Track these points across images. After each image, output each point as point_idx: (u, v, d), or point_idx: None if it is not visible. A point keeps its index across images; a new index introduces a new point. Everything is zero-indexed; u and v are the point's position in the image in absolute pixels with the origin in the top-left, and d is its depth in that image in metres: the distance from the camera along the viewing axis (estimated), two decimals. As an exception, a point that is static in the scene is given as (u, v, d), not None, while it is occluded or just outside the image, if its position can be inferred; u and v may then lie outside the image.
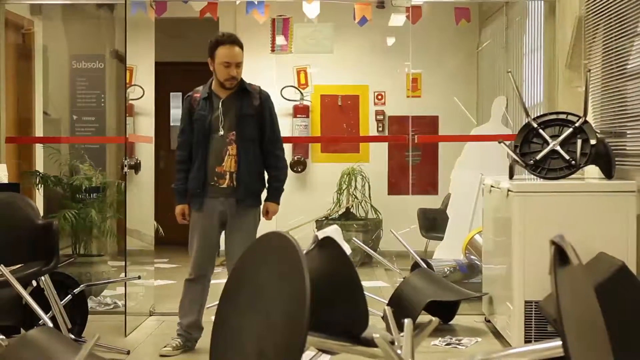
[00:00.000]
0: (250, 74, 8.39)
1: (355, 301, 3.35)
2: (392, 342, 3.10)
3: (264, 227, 3.75)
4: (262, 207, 4.60)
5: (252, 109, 4.46)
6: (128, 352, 4.37)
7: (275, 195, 4.60)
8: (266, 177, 4.62)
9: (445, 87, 8.23)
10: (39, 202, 6.26)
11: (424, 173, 8.10)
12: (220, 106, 4.44)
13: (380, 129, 8.40)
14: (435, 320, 3.29)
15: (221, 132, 4.42)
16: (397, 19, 7.66)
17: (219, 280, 4.73)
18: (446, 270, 6.05)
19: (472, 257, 6.00)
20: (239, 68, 4.42)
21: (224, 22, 7.99)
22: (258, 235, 3.30)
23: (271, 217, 4.61)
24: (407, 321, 3.14)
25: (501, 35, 7.59)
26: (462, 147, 7.14)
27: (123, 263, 5.19)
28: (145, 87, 6.17)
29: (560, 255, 2.78)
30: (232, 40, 4.41)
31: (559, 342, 2.51)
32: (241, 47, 4.44)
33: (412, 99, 7.85)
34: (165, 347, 4.45)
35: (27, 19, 6.50)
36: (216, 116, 4.43)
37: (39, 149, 6.60)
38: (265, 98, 4.54)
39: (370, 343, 3.16)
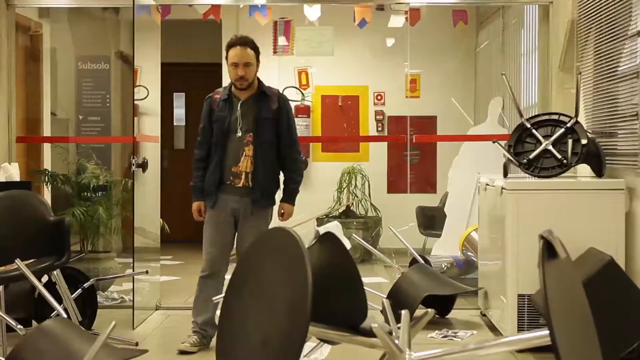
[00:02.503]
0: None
1: (354, 293, 3.50)
2: (390, 333, 3.26)
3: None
4: (276, 207, 4.68)
5: (270, 112, 4.55)
6: (136, 344, 4.52)
7: (291, 197, 4.70)
8: (282, 178, 4.72)
9: (444, 88, 8.37)
10: (47, 200, 6.41)
11: (422, 172, 8.27)
12: (239, 108, 4.54)
13: (379, 128, 8.56)
14: (431, 311, 3.43)
15: (239, 134, 4.51)
16: (397, 21, 7.79)
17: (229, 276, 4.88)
18: (443, 266, 6.21)
19: (469, 253, 6.16)
20: (248, 68, 4.49)
21: (226, 25, 8.15)
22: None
23: (287, 218, 4.68)
24: (404, 312, 3.30)
25: (498, 38, 7.74)
26: (460, 147, 7.30)
27: (128, 260, 5.34)
28: (150, 87, 6.33)
29: (549, 249, 2.94)
30: (241, 42, 4.52)
31: (547, 332, 2.67)
32: (253, 48, 4.53)
33: (410, 99, 8.01)
34: (183, 342, 4.50)
35: (34, 22, 6.65)
36: (235, 118, 4.53)
37: (46, 148, 6.76)
38: (283, 102, 4.64)
39: (369, 333, 3.31)
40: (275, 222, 4.69)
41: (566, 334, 2.75)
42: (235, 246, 4.68)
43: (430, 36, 7.89)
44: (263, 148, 4.53)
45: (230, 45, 4.53)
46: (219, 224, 4.59)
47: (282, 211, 4.69)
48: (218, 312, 3.39)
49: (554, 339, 2.64)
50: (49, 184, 6.18)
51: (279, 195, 4.75)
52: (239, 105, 4.55)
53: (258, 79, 4.62)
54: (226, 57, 4.56)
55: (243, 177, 4.53)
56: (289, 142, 4.64)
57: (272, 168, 4.62)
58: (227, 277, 4.66)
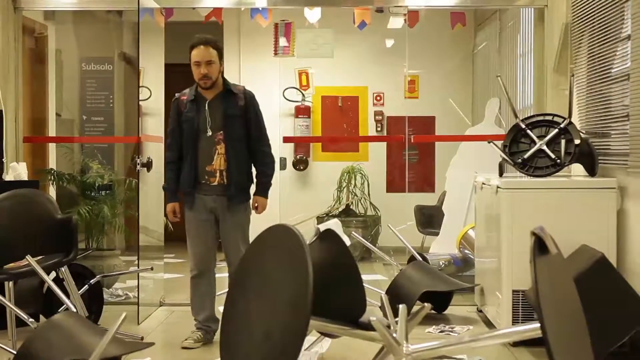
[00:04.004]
0: (254, 76, 8.72)
1: (353, 288, 3.61)
2: (389, 327, 3.37)
3: (268, 222, 3.94)
4: (251, 201, 4.75)
5: (237, 109, 4.62)
6: (142, 338, 4.64)
7: (263, 190, 4.74)
8: (254, 172, 4.78)
9: (442, 89, 8.47)
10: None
11: (421, 171, 8.39)
12: (207, 107, 4.60)
13: (379, 129, 8.67)
14: (427, 305, 3.56)
15: (209, 133, 4.58)
16: (396, 22, 7.89)
17: (220, 274, 4.99)
18: (441, 263, 6.32)
19: (466, 251, 6.27)
20: (211, 66, 4.54)
21: (228, 26, 8.27)
22: (261, 230, 3.45)
23: (261, 211, 4.73)
24: (401, 307, 3.42)
25: (495, 39, 7.83)
26: (458, 147, 7.40)
27: (132, 258, 5.44)
28: (153, 88, 6.44)
29: (540, 245, 3.06)
30: (203, 42, 4.57)
31: (538, 324, 2.79)
32: (215, 47, 4.59)
33: (409, 100, 8.12)
34: (186, 339, 4.60)
35: (39, 23, 6.75)
36: (204, 117, 4.59)
37: (51, 148, 6.88)
38: (249, 98, 4.68)
39: (368, 327, 3.43)
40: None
41: (557, 326, 2.87)
42: (221, 244, 4.72)
43: (429, 38, 7.99)
44: (234, 145, 4.60)
45: (192, 46, 4.58)
46: (199, 224, 4.66)
47: (256, 204, 4.73)
48: (220, 308, 3.50)
49: (544, 331, 2.76)
50: (54, 183, 6.30)
51: (254, 189, 4.79)
52: (206, 104, 4.61)
53: (224, 78, 4.69)
54: (189, 58, 4.60)
55: (218, 175, 4.60)
56: (258, 137, 4.70)
57: (244, 164, 4.67)
58: (224, 275, 4.80)
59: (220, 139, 4.59)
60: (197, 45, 4.56)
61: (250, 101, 4.68)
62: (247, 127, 4.66)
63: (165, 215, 5.97)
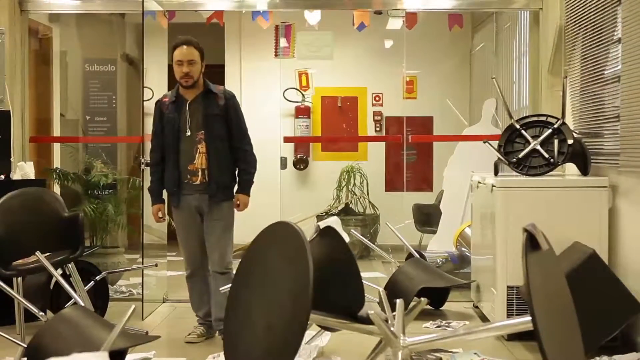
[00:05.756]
0: (255, 77, 8.83)
1: (352, 283, 3.73)
2: (386, 320, 3.49)
3: (269, 220, 4.01)
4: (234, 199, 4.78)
5: (217, 109, 4.67)
6: (147, 333, 4.76)
7: (245, 188, 4.78)
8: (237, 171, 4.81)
9: (440, 90, 8.58)
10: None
11: (419, 171, 8.50)
12: (187, 108, 4.66)
13: (377, 129, 8.79)
14: (423, 300, 3.67)
15: (189, 133, 4.64)
16: (394, 24, 7.97)
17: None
18: (439, 261, 6.43)
19: (463, 248, 6.37)
20: (193, 66, 4.61)
21: (229, 28, 8.38)
22: (262, 228, 3.50)
23: (242, 209, 4.76)
24: (399, 301, 3.53)
25: (492, 41, 7.93)
26: (455, 147, 7.51)
27: (135, 255, 5.54)
28: (156, 89, 6.55)
29: (531, 241, 3.18)
30: (186, 42, 4.64)
31: (529, 318, 2.90)
32: (197, 48, 4.66)
33: (407, 100, 8.23)
34: (189, 334, 4.71)
35: (45, 26, 6.86)
36: (184, 118, 4.65)
37: (56, 147, 7.00)
38: (229, 97, 4.74)
39: (366, 321, 3.54)
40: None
41: (547, 319, 2.99)
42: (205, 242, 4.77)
43: (427, 39, 8.07)
44: (215, 144, 4.66)
45: (175, 46, 4.65)
46: (186, 224, 4.74)
47: (238, 202, 4.77)
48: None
49: (535, 324, 2.88)
50: (59, 182, 6.42)
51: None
52: (187, 105, 4.67)
53: (204, 79, 4.76)
54: (172, 58, 4.68)
55: (200, 174, 4.66)
56: (239, 136, 4.74)
57: (226, 162, 4.72)
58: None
59: (201, 138, 4.65)
60: (179, 45, 4.64)
61: (230, 101, 4.74)
62: (228, 127, 4.71)
63: (168, 213, 6.10)
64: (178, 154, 4.68)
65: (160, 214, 4.82)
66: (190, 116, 4.67)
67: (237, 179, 4.82)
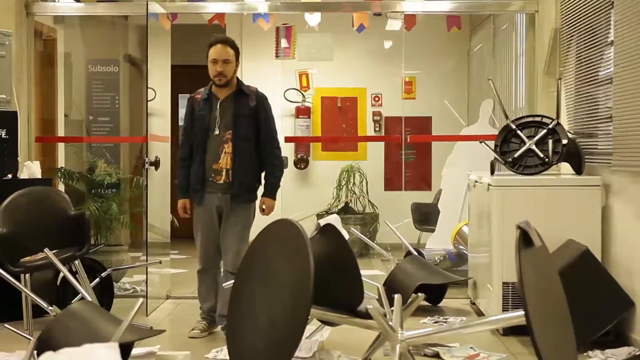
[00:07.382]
0: (256, 77, 8.92)
1: (352, 279, 3.84)
2: (385, 315, 3.59)
3: (270, 218, 4.08)
4: (258, 202, 4.79)
5: (247, 110, 4.70)
6: (151, 328, 4.85)
7: (271, 191, 4.79)
8: (263, 174, 4.83)
9: (438, 90, 8.67)
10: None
11: (418, 170, 8.59)
12: (218, 106, 4.69)
13: (377, 129, 8.89)
14: (421, 295, 3.78)
15: (217, 132, 4.66)
16: (393, 25, 8.06)
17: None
18: (437, 259, 6.53)
19: (461, 246, 6.47)
20: (227, 65, 4.66)
21: (231, 29, 8.45)
22: (263, 226, 3.60)
23: (268, 213, 4.76)
24: (397, 296, 3.64)
25: (489, 43, 8.03)
26: (453, 147, 7.59)
27: (138, 253, 5.62)
28: (159, 89, 6.64)
29: (525, 238, 3.29)
30: (222, 41, 4.70)
31: (523, 312, 3.01)
32: (233, 47, 4.71)
33: (406, 100, 8.33)
34: (193, 329, 4.76)
35: (49, 27, 6.96)
36: (214, 116, 4.68)
37: (60, 147, 7.10)
38: (261, 99, 4.78)
39: (365, 315, 3.65)
40: (258, 216, 4.82)
41: (540, 314, 3.09)
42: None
43: (426, 40, 8.15)
44: (241, 145, 4.67)
45: (211, 44, 4.68)
46: (206, 222, 4.74)
47: (263, 206, 4.79)
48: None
49: (528, 318, 2.99)
50: (64, 181, 6.52)
51: (261, 190, 4.85)
52: (218, 103, 4.70)
53: (238, 79, 4.82)
54: (207, 56, 4.71)
55: (224, 173, 4.67)
56: (267, 138, 4.76)
57: (251, 164, 4.73)
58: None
59: (228, 138, 4.67)
60: (215, 43, 4.69)
61: (261, 103, 4.77)
62: (256, 128, 4.73)
63: (172, 212, 6.21)
64: (205, 152, 4.69)
65: (185, 210, 4.85)
66: (220, 115, 4.70)
67: (263, 181, 4.83)
